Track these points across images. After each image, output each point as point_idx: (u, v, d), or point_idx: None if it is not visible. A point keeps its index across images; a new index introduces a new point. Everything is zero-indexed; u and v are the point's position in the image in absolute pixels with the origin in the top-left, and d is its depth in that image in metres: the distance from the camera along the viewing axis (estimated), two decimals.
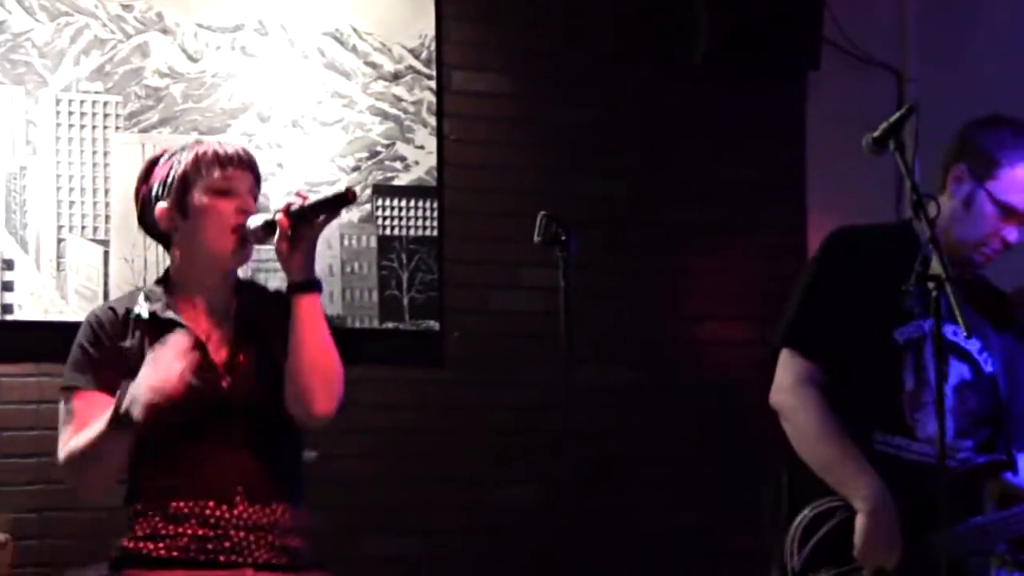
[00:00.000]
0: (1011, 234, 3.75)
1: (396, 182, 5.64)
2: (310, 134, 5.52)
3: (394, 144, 5.66)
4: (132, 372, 3.14)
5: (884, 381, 3.75)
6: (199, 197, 3.28)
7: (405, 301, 5.63)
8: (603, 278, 5.63)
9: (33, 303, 5.12)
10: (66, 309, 5.08)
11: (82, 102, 5.25)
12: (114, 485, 3.32)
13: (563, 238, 3.69)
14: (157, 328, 3.26)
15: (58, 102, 5.21)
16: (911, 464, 3.70)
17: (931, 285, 3.24)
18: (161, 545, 3.21)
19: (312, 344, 3.24)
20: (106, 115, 5.31)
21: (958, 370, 3.78)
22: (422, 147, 5.66)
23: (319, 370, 3.23)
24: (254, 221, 3.25)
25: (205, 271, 3.34)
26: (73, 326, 4.76)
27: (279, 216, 3.20)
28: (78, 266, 5.18)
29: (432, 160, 5.67)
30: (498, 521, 5.60)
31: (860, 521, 3.61)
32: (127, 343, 3.29)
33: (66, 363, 3.41)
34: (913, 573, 3.60)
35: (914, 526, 3.59)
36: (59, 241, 5.18)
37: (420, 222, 5.71)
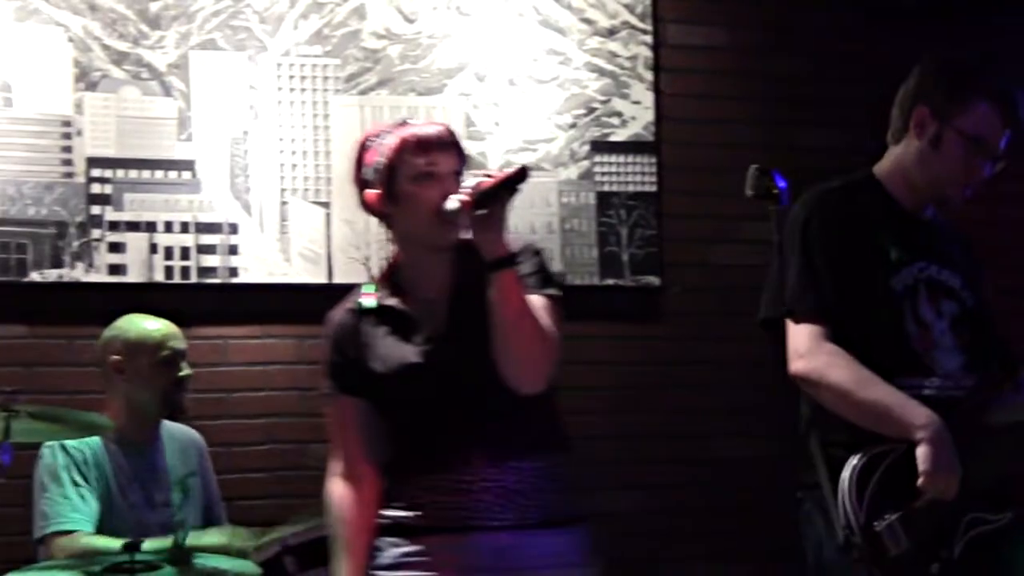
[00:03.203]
0: (984, 167, 3.80)
1: (613, 138, 5.68)
2: (526, 92, 5.57)
3: (610, 100, 5.69)
4: (360, 361, 3.31)
5: (892, 329, 3.73)
6: (404, 185, 3.32)
7: (625, 257, 5.66)
8: None
9: (257, 266, 5.26)
10: (290, 271, 5.22)
11: (302, 66, 5.34)
12: None
13: (775, 191, 3.55)
14: (381, 315, 3.35)
15: (278, 66, 5.33)
16: (930, 399, 3.68)
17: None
18: (415, 514, 3.28)
19: (510, 321, 3.19)
20: (325, 78, 5.38)
21: (949, 307, 3.81)
22: (638, 102, 5.69)
23: (521, 347, 3.20)
24: (451, 204, 3.25)
25: (420, 250, 3.38)
26: (297, 288, 5.21)
27: (464, 199, 3.20)
28: (301, 228, 5.29)
29: (649, 115, 5.70)
30: (718, 475, 5.67)
31: (922, 449, 3.56)
32: (360, 339, 3.38)
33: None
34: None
35: None
36: (282, 204, 5.29)
37: (638, 178, 5.73)
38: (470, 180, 3.23)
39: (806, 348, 3.73)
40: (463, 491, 3.24)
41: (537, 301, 3.24)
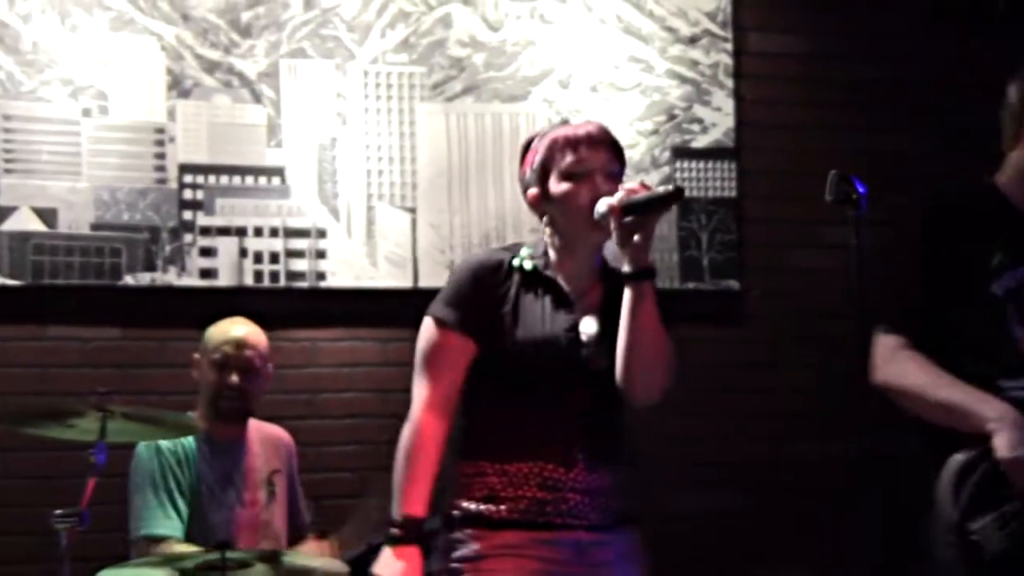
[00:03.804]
0: None
1: (694, 144, 5.68)
2: (609, 99, 5.56)
3: (691, 107, 5.69)
4: (496, 314, 3.30)
5: (996, 333, 3.68)
6: (556, 184, 3.34)
7: (705, 261, 5.66)
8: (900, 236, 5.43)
9: (344, 270, 5.26)
10: (376, 275, 5.22)
11: (388, 74, 5.34)
12: None
13: (854, 196, 3.53)
14: (535, 282, 3.36)
15: (366, 74, 5.33)
16: None
17: None
18: (503, 507, 3.27)
19: (643, 332, 3.22)
20: (411, 86, 5.39)
21: None
22: (719, 109, 5.69)
23: (649, 359, 3.23)
24: (600, 206, 3.25)
25: (573, 246, 3.39)
26: (383, 292, 5.22)
27: (613, 202, 3.20)
28: (387, 233, 5.30)
29: (729, 122, 5.69)
30: (798, 476, 5.63)
31: (998, 438, 3.54)
32: (503, 290, 3.37)
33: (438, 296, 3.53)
34: None
35: None
36: (368, 209, 5.29)
37: (718, 183, 5.71)
38: (625, 186, 3.23)
39: (882, 359, 3.72)
40: (554, 488, 3.24)
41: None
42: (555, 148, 3.32)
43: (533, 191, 3.35)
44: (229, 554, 3.98)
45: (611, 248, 3.31)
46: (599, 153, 3.30)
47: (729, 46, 5.68)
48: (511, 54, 5.48)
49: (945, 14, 5.92)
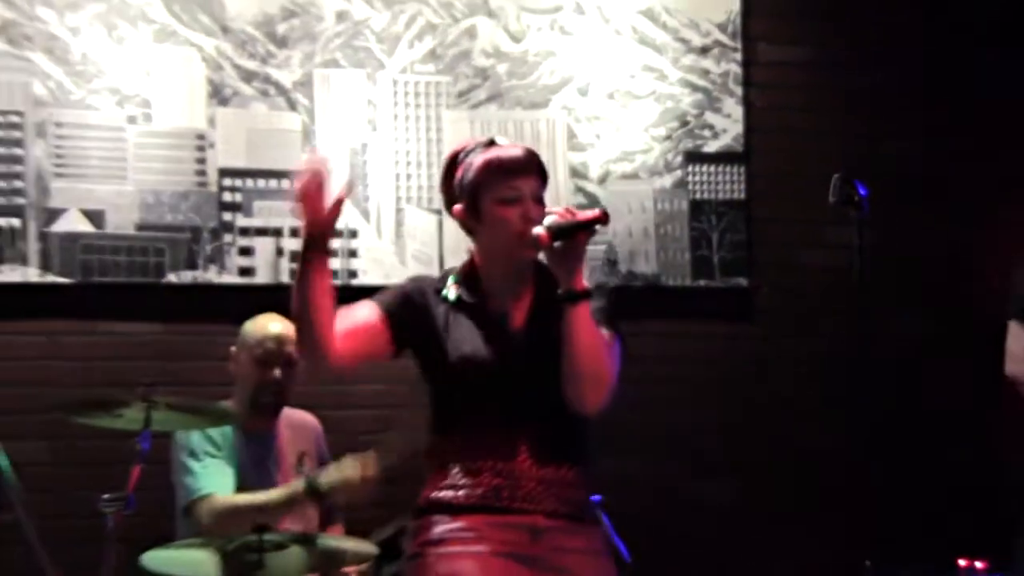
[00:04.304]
0: None
1: (705, 149, 5.69)
2: (625, 106, 5.58)
3: (703, 114, 5.71)
4: (428, 334, 3.29)
5: None
6: (488, 204, 3.34)
7: (715, 260, 5.69)
8: (901, 237, 5.62)
9: (375, 268, 5.28)
10: (404, 273, 5.14)
11: (416, 83, 5.38)
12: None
13: (856, 198, 3.84)
14: (461, 309, 3.36)
15: (395, 83, 5.36)
16: None
17: None
18: (461, 493, 3.30)
19: (579, 351, 3.23)
20: (438, 94, 5.43)
21: None
22: (729, 116, 5.69)
23: (586, 376, 3.24)
24: (533, 232, 3.27)
25: (501, 264, 3.39)
26: None
27: (541, 231, 3.21)
28: (415, 233, 5.33)
29: (739, 128, 5.69)
30: (804, 467, 5.62)
31: None
32: (434, 312, 3.37)
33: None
34: None
35: None
36: (397, 211, 5.32)
37: (728, 186, 5.73)
38: (552, 213, 3.23)
39: (1021, 352, 3.96)
40: (509, 476, 3.29)
41: (604, 335, 3.29)
42: (488, 171, 3.35)
43: (459, 206, 3.35)
44: (266, 536, 3.97)
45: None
46: (530, 179, 3.35)
47: (739, 56, 5.70)
48: (532, 64, 5.52)
49: (948, 23, 5.87)
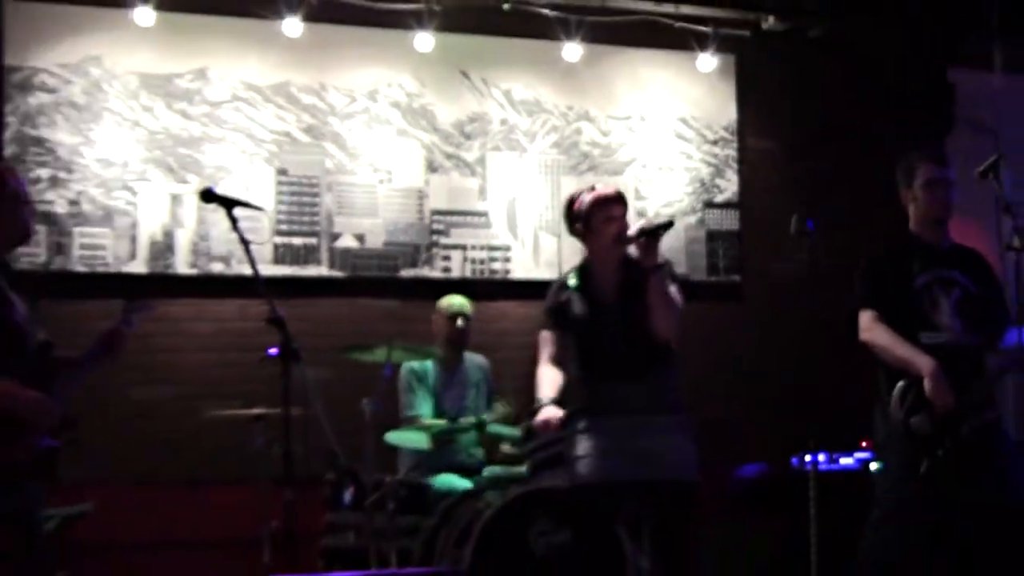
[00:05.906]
0: None
1: (716, 200, 7.07)
2: (668, 174, 6.96)
3: (714, 179, 7.04)
4: (563, 314, 4.02)
5: (918, 310, 4.34)
6: (597, 223, 4.03)
7: (720, 265, 6.98)
8: (838, 252, 5.70)
9: (520, 269, 6.71)
10: (538, 272, 6.72)
11: (546, 160, 6.82)
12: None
13: (805, 230, 4.54)
14: (579, 290, 4.07)
15: (534, 161, 6.76)
16: (938, 346, 4.29)
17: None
18: (591, 403, 4.00)
19: (658, 300, 3.92)
20: (558, 167, 6.82)
21: (954, 294, 4.34)
22: (730, 180, 7.09)
23: (664, 312, 3.95)
24: (630, 232, 3.96)
25: (603, 259, 4.09)
26: (541, 282, 5.76)
27: (633, 232, 3.90)
28: (544, 248, 6.72)
29: (735, 187, 7.09)
30: (761, 391, 6.72)
31: (927, 383, 4.17)
32: (563, 297, 4.13)
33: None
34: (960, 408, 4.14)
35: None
36: (535, 235, 6.76)
37: (729, 223, 6.98)
38: (639, 222, 3.94)
39: (866, 326, 4.29)
40: (614, 391, 3.93)
41: (672, 289, 3.94)
42: (596, 205, 3.95)
43: (579, 226, 4.04)
44: (457, 425, 5.36)
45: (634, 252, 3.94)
46: (620, 205, 3.98)
47: (735, 144, 7.00)
48: (615, 148, 6.80)
49: (886, 134, 6.86)
